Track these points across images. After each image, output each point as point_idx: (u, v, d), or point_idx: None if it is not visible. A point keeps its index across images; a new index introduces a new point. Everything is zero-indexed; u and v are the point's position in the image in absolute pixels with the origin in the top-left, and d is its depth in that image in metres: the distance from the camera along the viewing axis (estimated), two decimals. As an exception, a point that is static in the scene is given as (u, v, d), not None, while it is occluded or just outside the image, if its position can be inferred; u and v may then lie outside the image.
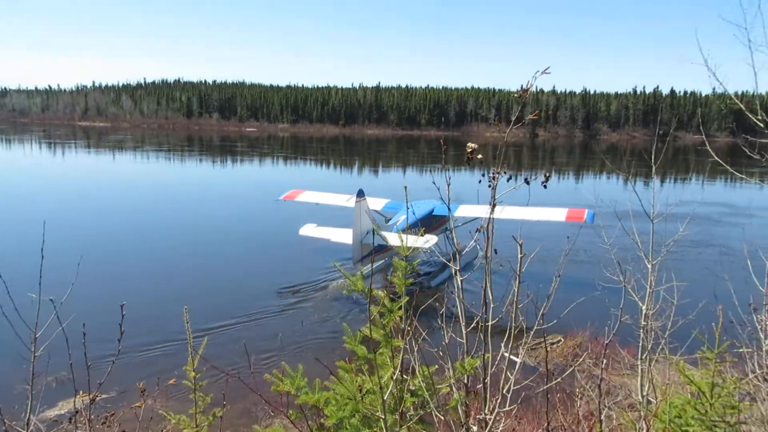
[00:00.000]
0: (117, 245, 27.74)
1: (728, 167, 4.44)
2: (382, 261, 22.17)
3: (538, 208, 21.56)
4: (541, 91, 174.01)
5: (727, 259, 19.76)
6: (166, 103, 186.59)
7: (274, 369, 3.71)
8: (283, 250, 27.37)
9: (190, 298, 19.90)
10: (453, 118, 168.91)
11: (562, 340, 17.47)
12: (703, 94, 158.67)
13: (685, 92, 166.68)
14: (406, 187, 3.50)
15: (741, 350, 5.76)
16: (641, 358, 6.17)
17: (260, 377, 4.22)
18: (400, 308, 3.42)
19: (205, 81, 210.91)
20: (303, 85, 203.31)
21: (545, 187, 2.87)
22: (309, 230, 21.87)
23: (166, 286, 21.92)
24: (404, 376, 3.40)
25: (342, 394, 3.48)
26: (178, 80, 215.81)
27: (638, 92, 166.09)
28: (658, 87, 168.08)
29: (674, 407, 5.05)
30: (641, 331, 6.12)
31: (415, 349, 3.41)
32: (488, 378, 3.12)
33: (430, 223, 23.16)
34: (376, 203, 23.42)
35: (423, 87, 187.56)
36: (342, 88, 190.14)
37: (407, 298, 3.49)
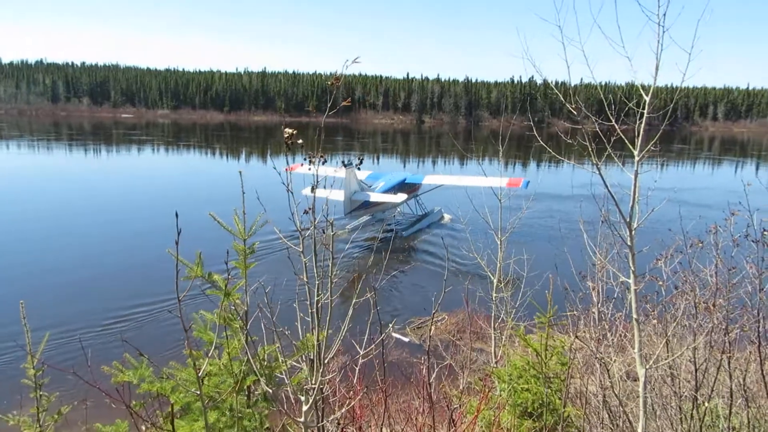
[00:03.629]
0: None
1: (550, 150, 4.93)
2: (368, 217, 28.33)
3: (483, 177, 24.30)
4: (426, 79, 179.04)
5: (567, 233, 21.49)
6: (27, 87, 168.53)
7: (114, 360, 3.62)
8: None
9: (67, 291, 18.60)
10: (340, 103, 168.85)
11: (446, 317, 18.40)
12: (572, 83, 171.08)
13: (556, 82, 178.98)
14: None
15: (572, 313, 6.44)
16: (493, 327, 6.75)
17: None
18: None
19: (73, 63, 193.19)
20: (184, 69, 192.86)
21: (359, 168, 3.05)
22: (309, 191, 24.79)
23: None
24: (249, 356, 3.47)
25: (186, 380, 3.49)
26: (41, 61, 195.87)
27: (515, 81, 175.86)
28: (532, 77, 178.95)
29: (516, 368, 5.58)
30: (493, 302, 6.69)
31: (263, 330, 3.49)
32: (322, 353, 3.28)
33: (402, 189, 28.71)
34: (360, 174, 28.06)
35: (311, 73, 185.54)
36: (226, 73, 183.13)
37: (244, 281, 3.56)
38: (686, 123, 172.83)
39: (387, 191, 28.04)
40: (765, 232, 5.09)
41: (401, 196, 27.47)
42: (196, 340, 3.79)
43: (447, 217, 31.37)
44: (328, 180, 3.61)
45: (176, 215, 2.48)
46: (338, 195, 25.83)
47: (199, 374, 3.00)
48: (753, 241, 5.18)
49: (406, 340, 16.66)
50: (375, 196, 27.15)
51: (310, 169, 3.11)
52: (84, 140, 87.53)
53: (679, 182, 45.09)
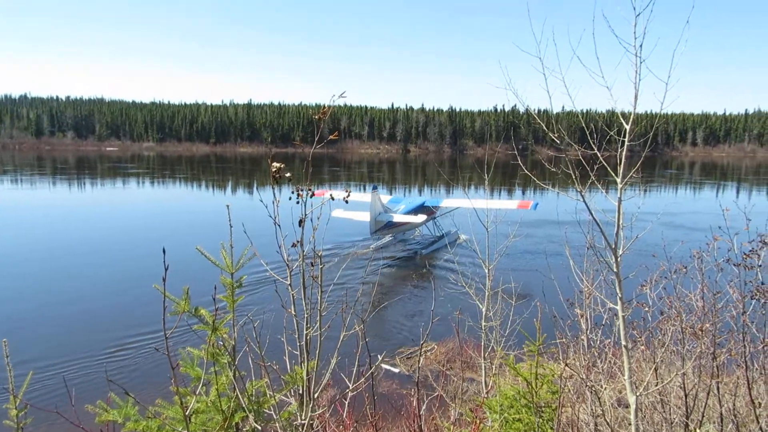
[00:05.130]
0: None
1: (534, 178, 5.00)
2: (390, 236, 31.33)
3: (495, 200, 32.71)
4: (411, 108, 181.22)
5: (553, 260, 21.69)
6: (10, 121, 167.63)
7: (99, 399, 3.54)
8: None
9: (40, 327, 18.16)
10: (327, 136, 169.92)
11: (435, 347, 18.25)
12: (554, 112, 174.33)
13: (539, 110, 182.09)
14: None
15: (562, 341, 6.44)
16: (483, 356, 6.71)
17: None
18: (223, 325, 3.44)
19: (57, 97, 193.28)
20: (169, 102, 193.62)
21: (347, 202, 3.08)
22: (338, 213, 28.07)
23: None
24: (237, 392, 3.41)
25: (173, 418, 3.42)
26: (25, 96, 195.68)
27: (498, 110, 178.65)
28: (515, 105, 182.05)
29: (507, 398, 5.53)
30: (482, 331, 6.66)
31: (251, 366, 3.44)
32: (312, 384, 3.24)
33: (421, 211, 31.40)
34: (383, 198, 31.78)
35: (296, 104, 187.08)
36: (212, 105, 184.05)
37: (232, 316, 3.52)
38: (667, 148, 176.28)
39: (408, 213, 30.58)
40: (746, 256, 5.16)
41: (421, 217, 30.19)
42: (183, 376, 3.72)
43: (463, 237, 32.65)
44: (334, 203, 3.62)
45: (163, 251, 2.47)
46: (364, 216, 28.52)
47: (187, 412, 2.95)
48: (735, 265, 5.25)
49: (396, 370, 16.48)
50: (397, 217, 29.90)
51: (298, 202, 3.12)
52: (68, 174, 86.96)
53: (664, 207, 45.70)
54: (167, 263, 2.44)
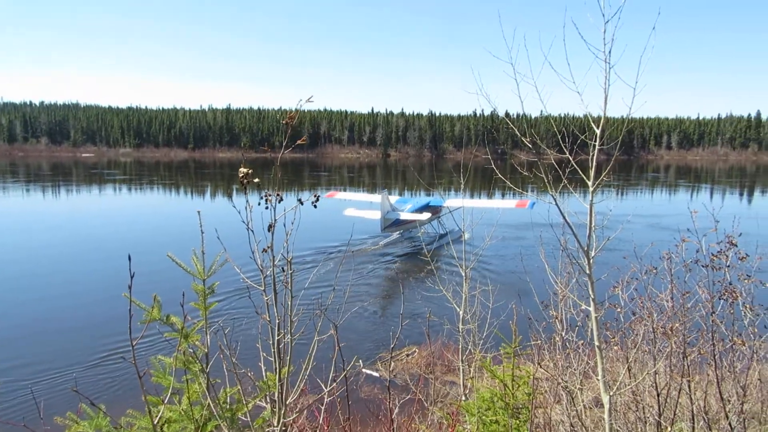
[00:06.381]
0: None
1: (508, 183, 5.06)
2: (398, 233, 33.81)
3: (495, 199, 40.68)
4: (391, 113, 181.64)
5: (530, 262, 22.00)
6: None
7: (68, 411, 3.48)
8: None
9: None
10: (307, 140, 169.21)
11: (417, 351, 18.25)
12: (533, 116, 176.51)
13: (517, 114, 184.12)
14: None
15: (537, 342, 6.51)
16: (461, 359, 6.75)
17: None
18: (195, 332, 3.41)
19: (31, 102, 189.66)
20: (147, 107, 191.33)
21: (315, 206, 3.08)
22: (350, 212, 33.03)
23: None
24: (210, 400, 3.38)
25: (145, 428, 3.38)
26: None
27: (478, 115, 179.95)
28: (494, 110, 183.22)
29: (484, 400, 5.57)
30: (460, 334, 6.71)
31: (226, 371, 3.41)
32: (283, 390, 3.22)
33: (426, 210, 34.07)
34: (392, 198, 34.77)
35: (276, 109, 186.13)
36: (190, 110, 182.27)
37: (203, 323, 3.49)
38: (643, 152, 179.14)
39: (413, 212, 33.38)
40: (713, 257, 5.29)
41: (426, 215, 33.32)
42: (155, 385, 3.68)
43: (467, 234, 33.56)
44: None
45: (129, 258, 2.45)
46: (375, 215, 31.87)
47: (155, 421, 2.92)
48: (703, 266, 5.37)
49: (377, 375, 16.45)
50: (404, 215, 32.91)
51: (267, 207, 3.11)
52: (42, 180, 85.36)
53: (635, 209, 46.47)
54: (133, 271, 2.42)
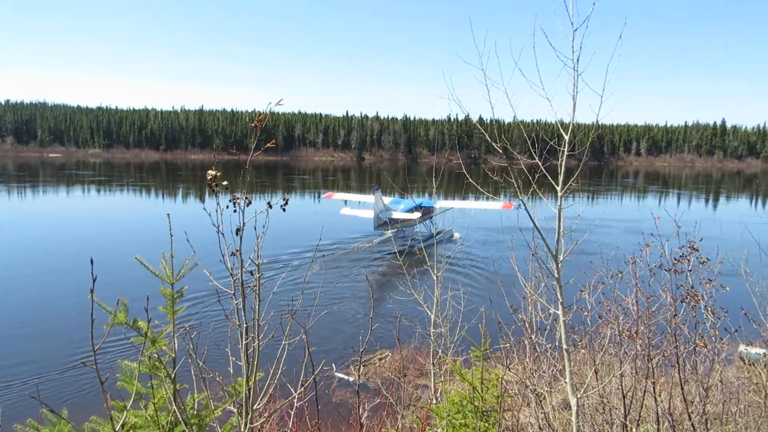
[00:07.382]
0: None
1: (479, 187, 5.12)
2: (390, 232, 34.19)
3: (482, 201, 38.83)
4: (366, 116, 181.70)
5: (501, 266, 22.58)
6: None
7: (29, 419, 3.39)
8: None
9: None
10: (282, 143, 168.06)
11: (390, 354, 18.26)
12: (506, 122, 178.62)
13: (491, 120, 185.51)
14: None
15: (505, 345, 6.58)
16: (432, 363, 6.80)
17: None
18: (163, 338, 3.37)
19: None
20: (117, 107, 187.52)
21: (284, 210, 3.08)
22: (346, 211, 36.82)
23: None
24: (176, 406, 3.34)
25: (109, 434, 3.31)
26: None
27: (452, 119, 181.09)
28: (468, 115, 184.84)
29: (454, 404, 5.61)
30: (431, 338, 6.76)
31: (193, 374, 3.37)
32: (251, 394, 3.20)
33: (417, 211, 35.96)
34: (385, 199, 36.79)
35: (249, 111, 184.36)
36: (162, 111, 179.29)
37: (169, 327, 3.44)
38: (613, 158, 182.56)
39: (405, 212, 35.40)
40: (676, 261, 5.43)
41: (417, 215, 35.44)
42: (121, 390, 3.61)
43: (456, 234, 35.55)
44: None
45: (91, 262, 2.40)
46: (368, 214, 33.98)
47: (117, 428, 2.87)
48: (666, 270, 5.51)
49: (351, 379, 16.42)
50: (396, 215, 34.84)
51: (235, 210, 3.09)
52: (7, 182, 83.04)
53: (609, 213, 47.38)
54: (95, 275, 2.37)
